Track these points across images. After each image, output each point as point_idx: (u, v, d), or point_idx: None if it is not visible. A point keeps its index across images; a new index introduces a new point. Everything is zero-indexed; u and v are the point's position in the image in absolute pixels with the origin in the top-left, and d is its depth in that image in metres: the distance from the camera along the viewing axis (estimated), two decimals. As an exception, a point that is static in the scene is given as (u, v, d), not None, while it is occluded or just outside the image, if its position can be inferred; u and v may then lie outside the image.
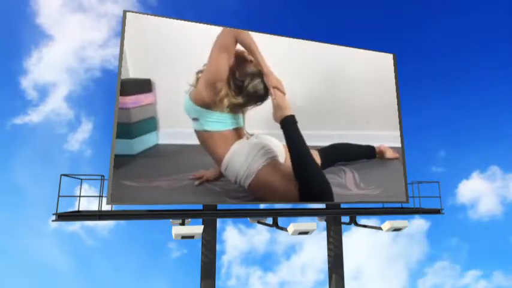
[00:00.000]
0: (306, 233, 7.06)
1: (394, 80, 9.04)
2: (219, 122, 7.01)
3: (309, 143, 7.48)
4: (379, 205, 8.47)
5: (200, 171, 6.84)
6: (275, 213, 7.43)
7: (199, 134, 6.95)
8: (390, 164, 8.55)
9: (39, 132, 16.06)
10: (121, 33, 6.78)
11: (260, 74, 7.35)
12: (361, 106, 8.54)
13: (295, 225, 6.92)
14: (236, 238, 16.44)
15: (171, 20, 7.18)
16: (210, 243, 7.02)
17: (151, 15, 7.07)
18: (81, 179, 6.57)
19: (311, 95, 8.04)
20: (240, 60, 7.28)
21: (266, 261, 16.32)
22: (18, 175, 15.37)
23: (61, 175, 6.12)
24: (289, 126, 7.36)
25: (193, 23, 7.32)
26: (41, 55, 15.92)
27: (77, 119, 16.36)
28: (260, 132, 7.42)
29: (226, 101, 7.04)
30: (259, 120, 7.42)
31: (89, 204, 6.78)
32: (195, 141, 6.94)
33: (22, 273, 14.30)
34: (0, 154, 15.18)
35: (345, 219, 8.40)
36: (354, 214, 8.27)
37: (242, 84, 7.22)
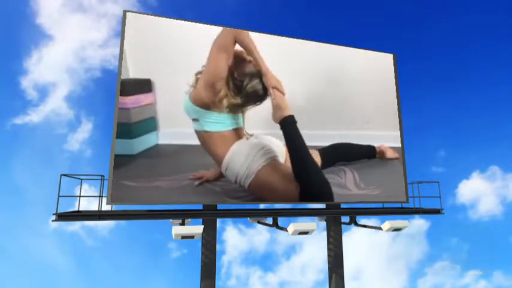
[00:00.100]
0: (306, 233, 7.06)
1: (394, 80, 9.04)
2: (218, 122, 7.01)
3: (308, 143, 7.48)
4: (379, 205, 8.47)
5: (200, 171, 6.84)
6: (275, 213, 7.43)
7: (199, 134, 6.96)
8: (390, 164, 8.55)
9: (39, 132, 16.08)
10: (121, 33, 6.78)
11: (259, 74, 7.35)
12: (361, 106, 8.54)
13: (295, 225, 6.92)
14: (236, 238, 16.45)
15: (171, 20, 7.18)
16: (210, 243, 7.02)
17: (151, 15, 7.07)
18: (81, 179, 6.57)
19: (311, 95, 8.04)
20: (238, 61, 7.28)
21: (266, 261, 16.34)
22: (18, 175, 15.39)
23: (61, 175, 6.12)
24: (288, 126, 7.37)
25: (193, 23, 7.32)
26: (41, 55, 15.94)
27: (77, 119, 16.37)
28: (260, 132, 7.42)
29: (225, 102, 7.04)
30: (258, 120, 7.42)
31: (89, 204, 6.78)
32: (195, 141, 6.94)
33: (22, 273, 14.32)
34: (0, 154, 15.20)
35: (345, 219, 8.40)
36: (354, 214, 8.27)
37: (241, 84, 7.22)
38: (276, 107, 7.37)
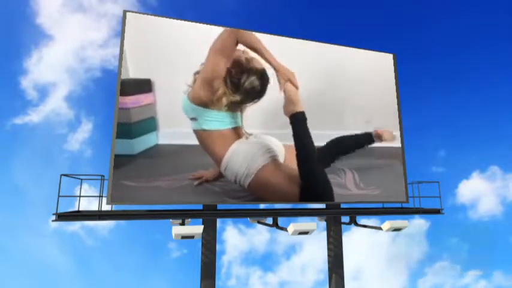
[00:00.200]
0: (306, 233, 7.06)
1: (394, 80, 9.04)
2: (217, 121, 7.01)
3: (309, 143, 7.47)
4: (379, 205, 8.47)
5: (199, 171, 6.84)
6: (275, 213, 7.43)
7: (198, 133, 6.95)
8: (390, 164, 8.55)
9: (39, 132, 16.07)
10: (121, 33, 6.78)
11: (256, 70, 7.34)
12: (361, 106, 8.54)
13: (295, 225, 6.92)
14: (236, 238, 16.45)
15: (171, 20, 7.18)
16: (210, 243, 7.02)
17: (151, 15, 7.07)
18: (81, 179, 6.57)
19: (311, 95, 8.03)
20: (235, 58, 7.27)
21: (266, 261, 16.34)
22: (18, 175, 15.39)
23: (61, 175, 6.12)
24: (298, 122, 7.36)
25: (193, 23, 7.32)
26: (41, 55, 15.94)
27: (77, 119, 16.37)
28: (258, 131, 7.42)
29: (224, 100, 7.03)
30: (257, 120, 7.43)
31: (89, 204, 6.78)
32: (195, 141, 6.93)
33: (22, 273, 14.32)
34: (0, 154, 15.20)
35: (345, 219, 8.40)
36: (354, 214, 8.27)
37: (238, 81, 7.21)
38: (289, 101, 7.37)
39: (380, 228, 7.98)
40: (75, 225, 14.39)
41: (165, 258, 16.15)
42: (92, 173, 6.60)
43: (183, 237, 6.18)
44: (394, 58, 9.15)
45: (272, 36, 7.82)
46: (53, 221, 5.93)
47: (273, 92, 7.54)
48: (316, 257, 15.40)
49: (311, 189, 7.39)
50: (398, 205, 8.71)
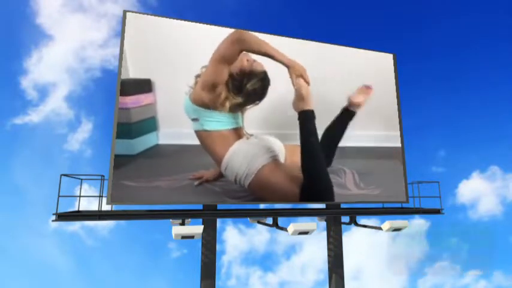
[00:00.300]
0: (306, 233, 7.06)
1: (394, 80, 9.04)
2: (218, 121, 7.01)
3: (309, 143, 7.44)
4: (379, 205, 8.47)
5: (200, 171, 6.84)
6: (275, 213, 7.43)
7: (199, 134, 6.95)
8: (390, 164, 8.55)
9: (39, 132, 16.06)
10: (121, 33, 6.78)
11: (258, 73, 7.35)
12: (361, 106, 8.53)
13: (295, 225, 6.92)
14: (236, 238, 16.44)
15: (171, 20, 7.18)
16: (210, 243, 7.03)
17: (151, 15, 7.07)
18: (81, 179, 6.57)
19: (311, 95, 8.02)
20: (237, 62, 7.26)
21: (266, 261, 16.32)
22: (18, 175, 15.38)
23: (61, 175, 6.12)
24: (307, 120, 7.35)
25: (193, 23, 7.31)
26: (41, 55, 15.92)
27: (77, 119, 16.35)
28: (259, 132, 7.42)
29: (227, 104, 7.04)
30: (258, 120, 7.43)
31: (89, 204, 6.78)
32: (195, 141, 6.93)
33: (22, 273, 14.31)
34: (0, 154, 15.20)
35: (345, 219, 8.40)
36: (354, 214, 8.27)
37: (240, 84, 7.21)
38: (299, 97, 7.35)
39: (380, 228, 7.98)
40: (75, 225, 14.39)
41: (165, 258, 16.16)
42: (92, 173, 6.62)
43: (183, 237, 6.18)
44: (394, 58, 9.15)
45: (272, 36, 7.82)
46: (53, 221, 5.93)
47: (274, 93, 7.54)
48: (316, 257, 15.40)
49: (313, 187, 7.38)
50: (398, 205, 8.71)
